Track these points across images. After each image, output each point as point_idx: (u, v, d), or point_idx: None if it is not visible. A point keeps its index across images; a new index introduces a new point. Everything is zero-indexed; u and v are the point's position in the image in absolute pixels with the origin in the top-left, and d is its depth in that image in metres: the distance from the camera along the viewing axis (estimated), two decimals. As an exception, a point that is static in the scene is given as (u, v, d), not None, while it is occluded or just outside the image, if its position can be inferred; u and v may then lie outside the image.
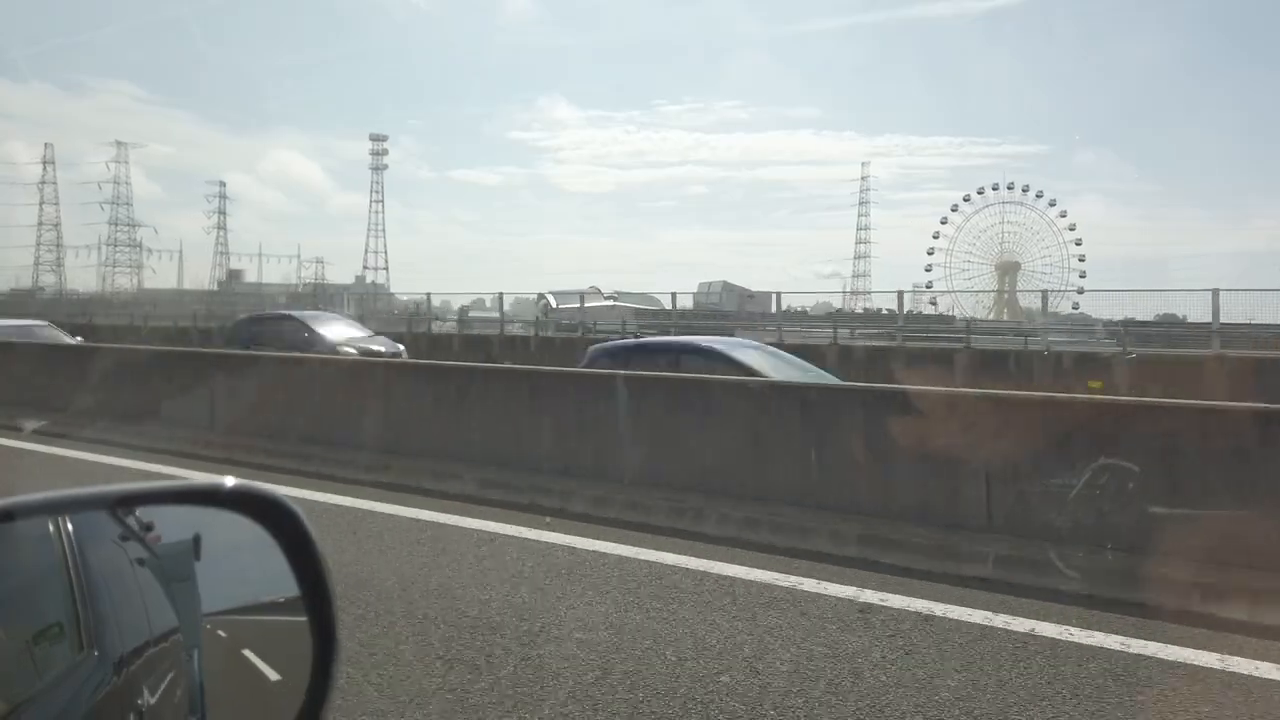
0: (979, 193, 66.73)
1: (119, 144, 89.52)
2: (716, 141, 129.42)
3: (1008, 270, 65.63)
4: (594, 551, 5.87)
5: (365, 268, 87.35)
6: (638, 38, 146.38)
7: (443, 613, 4.64)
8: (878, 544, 5.90)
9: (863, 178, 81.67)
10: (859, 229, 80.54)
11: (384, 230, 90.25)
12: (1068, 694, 3.74)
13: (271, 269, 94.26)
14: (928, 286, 62.69)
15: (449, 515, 6.82)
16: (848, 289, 70.59)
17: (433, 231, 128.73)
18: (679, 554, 5.78)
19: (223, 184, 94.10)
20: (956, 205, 67.43)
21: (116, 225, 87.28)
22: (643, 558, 5.72)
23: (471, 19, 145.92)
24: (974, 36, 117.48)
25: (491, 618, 4.56)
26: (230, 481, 1.13)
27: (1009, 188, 66.03)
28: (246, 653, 1.24)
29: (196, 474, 7.76)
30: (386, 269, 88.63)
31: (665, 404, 7.76)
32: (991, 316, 54.75)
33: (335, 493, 7.47)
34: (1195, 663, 4.07)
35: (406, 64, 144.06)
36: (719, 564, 5.58)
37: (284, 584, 1.17)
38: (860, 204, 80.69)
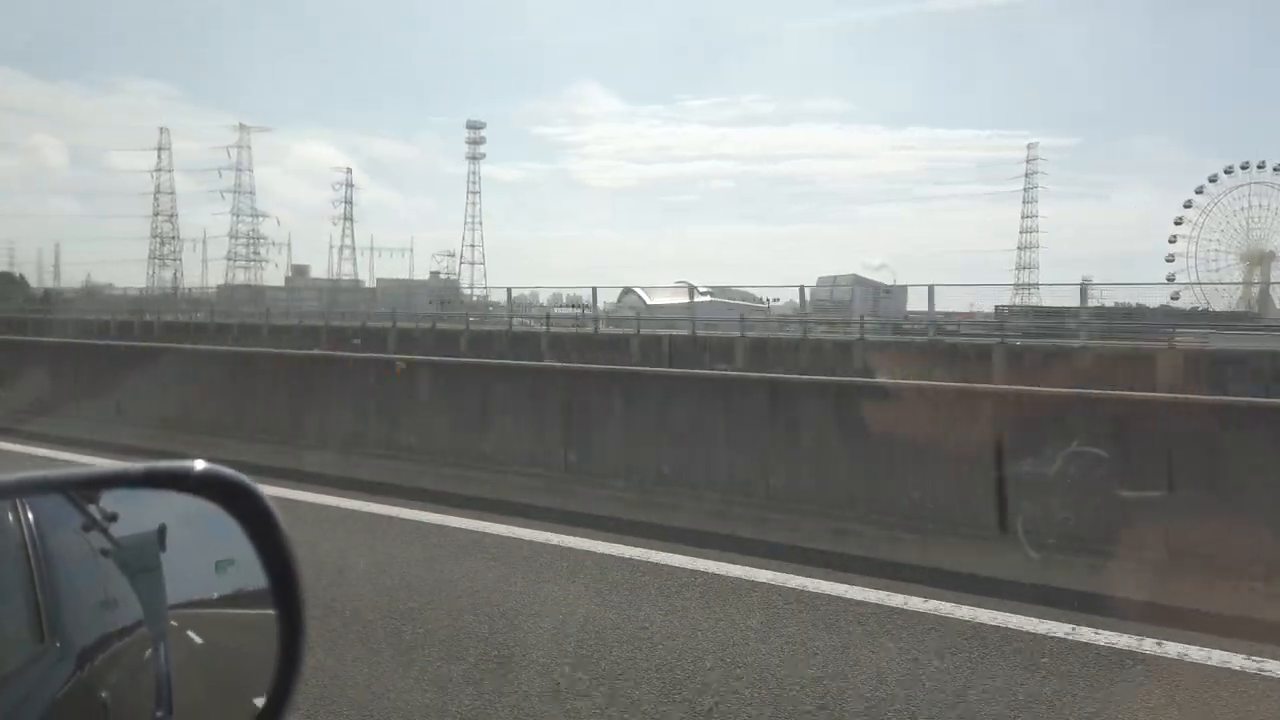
0: (1226, 172, 57.85)
1: (242, 127, 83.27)
2: (740, 136, 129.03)
3: (1258, 260, 57.39)
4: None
5: (462, 262, 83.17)
6: (660, 32, 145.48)
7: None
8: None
9: (1029, 160, 72.50)
10: (1024, 216, 72.07)
11: (480, 222, 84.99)
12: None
13: (382, 264, 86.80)
14: (1170, 279, 54.27)
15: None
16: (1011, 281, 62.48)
17: (460, 226, 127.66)
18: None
19: (349, 171, 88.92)
20: (1202, 187, 58.52)
21: (238, 216, 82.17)
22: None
23: (496, 13, 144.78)
24: (1000, 27, 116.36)
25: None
26: (200, 465, 1.09)
27: (1259, 166, 56.70)
28: (213, 645, 1.21)
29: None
30: (484, 263, 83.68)
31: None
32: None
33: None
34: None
35: (429, 58, 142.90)
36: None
37: (253, 574, 1.15)
38: (1026, 189, 71.95)
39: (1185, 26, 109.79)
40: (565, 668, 3.87)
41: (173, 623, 1.14)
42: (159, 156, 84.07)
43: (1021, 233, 72.44)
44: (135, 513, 1.16)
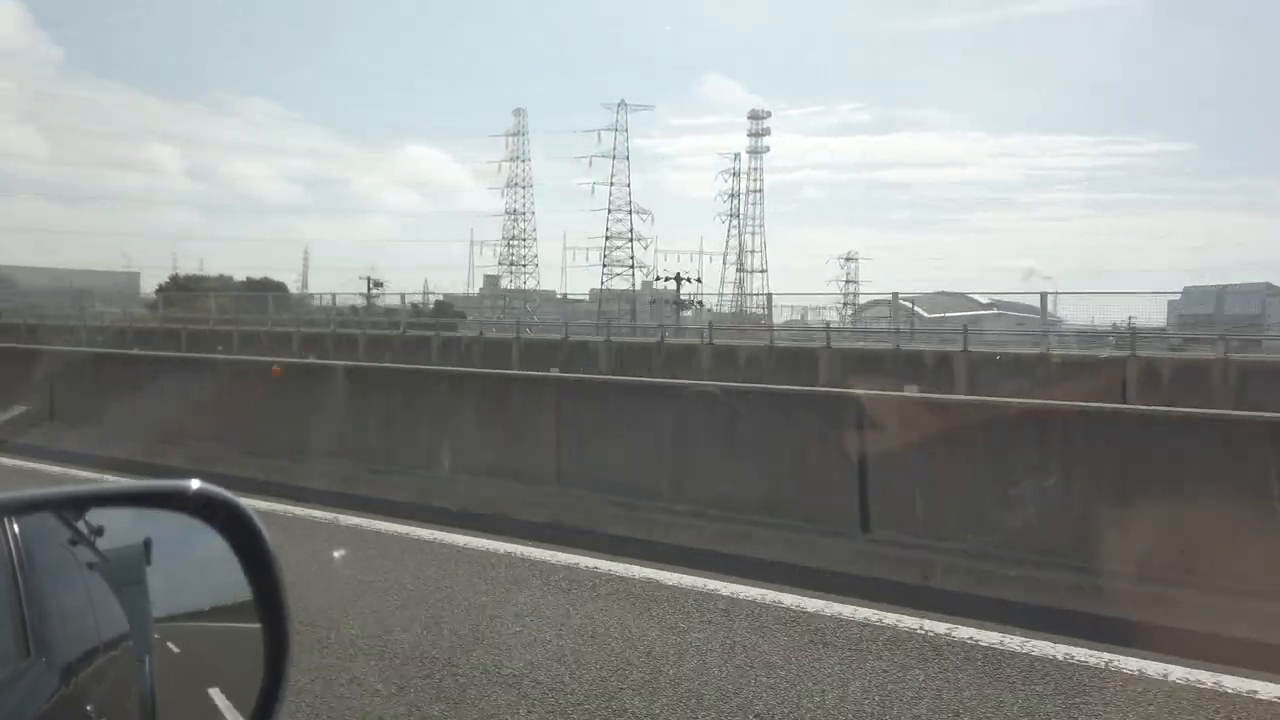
0: None
1: (622, 105, 70.82)
2: (837, 144, 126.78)
3: None
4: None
5: (740, 270, 73.10)
6: (756, 41, 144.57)
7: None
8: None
9: None
10: None
11: (761, 225, 74.10)
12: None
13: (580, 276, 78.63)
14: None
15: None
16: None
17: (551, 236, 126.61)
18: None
19: (736, 157, 75.29)
20: None
21: (611, 212, 71.21)
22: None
23: (591, 27, 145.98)
24: (1104, 31, 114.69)
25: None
26: (194, 484, 1.11)
27: None
28: (198, 658, 1.22)
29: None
30: (765, 271, 73.16)
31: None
32: None
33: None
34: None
35: (523, 75, 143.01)
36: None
37: (236, 589, 1.16)
38: None
39: None
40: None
41: (158, 636, 1.15)
42: (506, 144, 72.32)
43: None
44: (121, 527, 1.17)
